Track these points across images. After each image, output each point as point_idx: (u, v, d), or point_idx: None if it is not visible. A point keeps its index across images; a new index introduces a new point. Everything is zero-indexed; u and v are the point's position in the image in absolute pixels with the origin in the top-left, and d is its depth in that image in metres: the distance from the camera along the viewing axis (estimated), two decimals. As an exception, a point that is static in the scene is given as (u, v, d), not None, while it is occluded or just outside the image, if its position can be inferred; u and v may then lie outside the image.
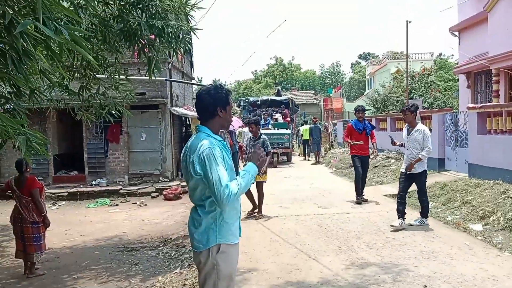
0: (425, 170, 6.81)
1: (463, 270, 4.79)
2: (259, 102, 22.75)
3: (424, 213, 6.88)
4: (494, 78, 12.49)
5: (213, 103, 2.85)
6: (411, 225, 6.73)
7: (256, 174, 2.86)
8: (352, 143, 8.82)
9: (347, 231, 6.69)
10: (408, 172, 6.76)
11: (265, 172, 7.93)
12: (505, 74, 12.86)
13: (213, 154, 2.65)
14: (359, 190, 8.92)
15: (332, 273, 4.89)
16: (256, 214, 8.02)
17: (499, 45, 11.67)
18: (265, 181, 8.10)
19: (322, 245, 6.05)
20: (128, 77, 7.19)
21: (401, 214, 6.73)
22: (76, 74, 6.46)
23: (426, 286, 4.36)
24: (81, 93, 6.48)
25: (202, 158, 2.65)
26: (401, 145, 7.15)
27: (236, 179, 2.72)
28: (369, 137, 9.03)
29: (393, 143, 7.31)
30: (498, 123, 8.93)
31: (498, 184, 7.93)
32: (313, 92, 49.74)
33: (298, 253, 5.73)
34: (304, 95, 45.78)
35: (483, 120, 9.43)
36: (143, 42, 5.64)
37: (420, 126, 6.83)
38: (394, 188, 8.86)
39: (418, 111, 7.47)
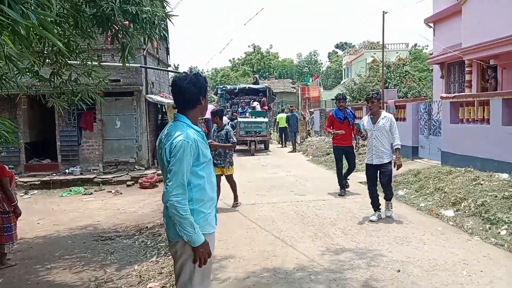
0: (391, 160, 6.58)
1: (435, 254, 4.92)
2: (236, 90, 22.62)
3: (388, 198, 6.63)
4: (467, 69, 12.74)
5: (198, 93, 2.80)
6: (388, 217, 6.55)
7: (192, 242, 2.63)
8: (333, 133, 8.36)
9: (322, 218, 6.76)
10: (375, 163, 6.49)
11: (232, 164, 7.76)
12: (478, 65, 13.14)
13: (184, 149, 2.61)
14: (342, 182, 8.57)
15: (308, 259, 4.95)
16: (234, 202, 7.90)
17: (472, 37, 11.89)
18: (232, 173, 7.85)
19: (298, 231, 6.10)
20: (101, 63, 7.00)
21: (376, 207, 6.60)
22: (47, 60, 6.25)
23: (399, 271, 4.46)
24: (52, 80, 6.28)
25: (174, 147, 2.61)
26: (363, 136, 6.77)
27: (189, 216, 2.59)
28: (352, 126, 8.40)
29: (360, 135, 6.82)
30: (470, 113, 9.15)
31: (469, 172, 8.16)
32: (291, 80, 49.85)
33: (275, 240, 5.77)
34: (281, 83, 45.81)
35: (456, 110, 9.64)
36: (117, 28, 5.48)
37: (385, 113, 6.63)
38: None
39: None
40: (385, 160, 6.45)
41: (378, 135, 6.44)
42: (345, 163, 8.78)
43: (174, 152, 2.60)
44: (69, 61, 6.43)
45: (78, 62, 6.66)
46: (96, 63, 6.74)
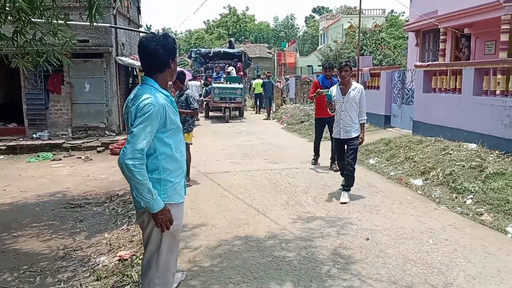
0: (359, 135, 6.05)
1: (403, 223, 5.04)
2: (211, 54, 22.14)
3: (349, 185, 6.04)
4: (441, 37, 12.80)
5: (167, 55, 2.65)
6: (343, 203, 5.82)
7: (150, 208, 2.55)
8: (318, 95, 7.33)
9: (295, 186, 6.80)
10: (342, 138, 6.05)
11: (188, 132, 6.91)
12: (452, 33, 13.22)
13: (151, 113, 2.49)
14: (317, 151, 8.37)
15: (280, 227, 4.98)
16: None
17: (447, 4, 11.89)
18: (191, 143, 7.14)
19: (270, 200, 6.13)
20: (67, 22, 6.63)
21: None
22: (8, 17, 5.86)
23: (368, 239, 4.55)
24: (15, 39, 5.91)
25: (140, 109, 2.49)
26: (333, 109, 6.24)
27: (147, 182, 2.48)
28: None
29: (331, 107, 6.29)
30: (443, 82, 9.24)
31: (439, 141, 8.31)
32: (267, 45, 49.17)
33: (247, 208, 5.78)
34: (257, 48, 45.15)
35: (429, 79, 9.72)
36: (83, -16, 5.16)
37: (356, 84, 6.10)
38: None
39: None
40: (353, 134, 5.98)
41: (348, 107, 5.94)
42: (326, 135, 8.48)
43: (139, 115, 2.48)
44: (33, 19, 6.05)
45: (43, 20, 6.28)
46: (62, 21, 6.38)
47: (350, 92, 5.94)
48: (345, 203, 5.82)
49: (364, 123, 6.07)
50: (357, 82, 13.16)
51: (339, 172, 6.54)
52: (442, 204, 5.80)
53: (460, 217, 5.31)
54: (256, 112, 20.99)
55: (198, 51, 22.84)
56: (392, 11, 46.91)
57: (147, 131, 2.47)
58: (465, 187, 6.08)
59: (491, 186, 5.86)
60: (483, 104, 7.75)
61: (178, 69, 15.74)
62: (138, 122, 2.47)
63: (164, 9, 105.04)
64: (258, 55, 41.52)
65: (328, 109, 6.49)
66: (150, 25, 58.61)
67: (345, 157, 6.11)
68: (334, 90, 6.16)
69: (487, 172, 6.21)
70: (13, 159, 11.41)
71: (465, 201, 5.79)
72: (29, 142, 12.30)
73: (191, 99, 6.85)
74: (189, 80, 17.67)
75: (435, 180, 6.71)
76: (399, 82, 11.59)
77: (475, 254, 4.16)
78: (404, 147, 8.62)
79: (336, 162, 7.35)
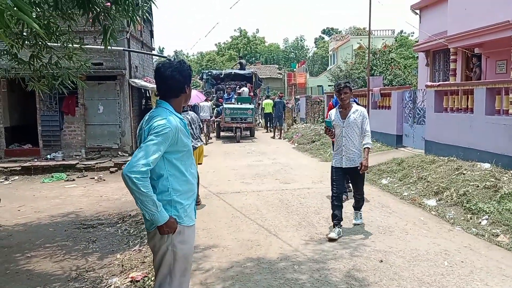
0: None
1: (417, 244, 4.97)
2: (222, 76, 22.40)
3: (359, 206, 5.77)
4: (452, 57, 12.82)
5: (183, 81, 2.74)
6: (357, 224, 5.74)
7: (155, 220, 2.55)
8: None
9: (307, 207, 6.77)
10: (345, 167, 5.38)
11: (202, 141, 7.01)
12: (462, 53, 13.22)
13: (163, 133, 2.53)
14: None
15: (292, 249, 4.95)
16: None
17: (457, 24, 11.93)
18: (200, 163, 7.18)
19: (282, 220, 6.10)
20: (82, 46, 6.81)
21: (338, 221, 5.37)
22: (26, 42, 6.04)
23: (382, 261, 4.49)
24: (32, 63, 6.08)
25: (153, 128, 2.54)
26: (333, 135, 5.55)
27: (151, 193, 2.50)
28: None
29: (330, 133, 5.57)
30: (454, 101, 9.21)
31: (452, 161, 8.24)
32: (277, 66, 49.62)
33: (259, 229, 5.75)
34: (268, 69, 45.54)
35: (440, 98, 9.70)
36: (98, 10, 5.31)
37: (356, 106, 5.51)
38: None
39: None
40: (357, 162, 5.34)
41: (349, 132, 5.34)
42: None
43: (151, 133, 2.53)
44: (49, 44, 6.23)
45: (59, 45, 6.46)
46: (78, 45, 6.55)
47: (350, 116, 5.35)
48: (358, 224, 5.73)
49: (368, 147, 5.33)
50: (368, 102, 13.22)
51: (332, 213, 5.45)
52: (456, 225, 5.71)
53: (476, 238, 5.22)
54: (267, 131, 21.24)
55: (209, 73, 23.13)
56: (401, 31, 47.24)
57: (156, 148, 2.50)
58: (479, 207, 5.99)
59: (507, 206, 5.76)
60: (496, 124, 7.69)
61: (202, 92, 15.97)
62: (149, 139, 2.51)
63: (176, 32, 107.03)
64: (269, 76, 41.85)
65: (328, 136, 5.77)
66: (163, 48, 59.69)
67: (353, 185, 5.78)
68: (333, 114, 5.53)
69: (502, 192, 6.12)
70: (27, 179, 11.56)
71: (480, 222, 5.70)
72: (43, 163, 12.46)
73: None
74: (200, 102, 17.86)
75: (449, 201, 6.63)
76: (410, 101, 11.58)
77: (492, 276, 4.07)
78: (417, 167, 8.55)
79: (336, 195, 5.45)
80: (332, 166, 5.52)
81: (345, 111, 5.42)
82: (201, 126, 7.08)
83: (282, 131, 19.15)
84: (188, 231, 2.73)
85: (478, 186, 6.57)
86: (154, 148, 2.50)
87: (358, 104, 6.32)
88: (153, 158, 2.49)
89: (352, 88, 5.57)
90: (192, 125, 6.98)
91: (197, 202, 6.93)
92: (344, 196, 6.31)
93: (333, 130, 5.48)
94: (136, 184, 2.43)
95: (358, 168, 5.30)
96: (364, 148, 5.33)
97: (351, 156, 5.36)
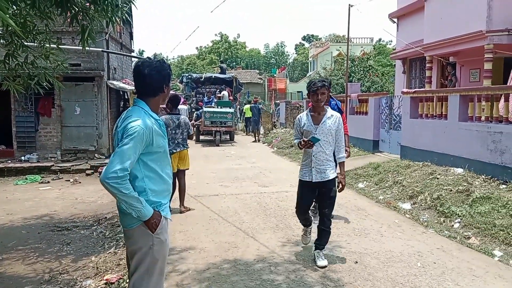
0: (336, 176, 4.57)
1: (392, 246, 5.06)
2: (202, 79, 22.34)
3: (323, 243, 4.58)
4: (427, 65, 13.13)
5: (162, 80, 2.73)
6: (323, 267, 4.42)
7: (143, 216, 2.56)
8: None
9: (284, 209, 6.81)
10: (315, 181, 4.46)
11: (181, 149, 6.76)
12: (438, 61, 13.56)
13: (137, 134, 2.52)
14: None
15: (269, 250, 4.97)
16: (181, 208, 6.84)
17: (433, 33, 12.24)
18: (187, 169, 7.00)
19: (260, 223, 6.12)
20: (60, 46, 6.70)
21: (310, 223, 4.90)
22: (1, 41, 5.92)
23: (357, 262, 4.55)
24: (7, 61, 5.97)
25: (127, 130, 2.53)
26: (308, 143, 4.40)
27: (133, 192, 2.52)
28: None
29: (304, 144, 4.43)
30: (429, 108, 9.44)
31: (426, 166, 8.43)
32: (258, 71, 49.77)
33: (237, 231, 5.76)
34: (248, 74, 45.64)
35: (416, 105, 9.92)
36: (77, 9, 5.25)
37: (331, 111, 4.60)
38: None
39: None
40: (330, 175, 4.48)
41: (322, 140, 4.44)
42: None
43: (125, 135, 2.52)
44: (25, 43, 6.12)
45: (35, 44, 6.35)
46: (55, 45, 6.45)
47: (325, 122, 4.45)
48: (325, 266, 4.41)
49: (343, 162, 4.56)
50: (346, 107, 13.41)
51: (305, 223, 4.91)
52: (430, 228, 5.84)
53: (448, 240, 5.35)
54: (246, 134, 21.62)
55: (189, 76, 23.05)
56: (379, 39, 48.04)
57: (131, 151, 2.50)
58: (452, 211, 6.15)
59: (478, 210, 5.93)
60: (469, 130, 7.91)
61: (173, 92, 15.97)
62: (124, 143, 2.50)
63: (156, 34, 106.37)
64: (249, 81, 41.93)
65: (304, 148, 4.51)
66: (143, 51, 59.14)
67: (319, 207, 4.75)
68: (303, 118, 4.59)
69: (474, 196, 6.30)
70: (0, 181, 11.27)
71: (452, 225, 5.84)
72: (17, 165, 12.17)
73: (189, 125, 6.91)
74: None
75: (423, 204, 6.77)
76: (387, 108, 11.81)
77: (463, 277, 4.19)
78: (393, 171, 8.71)
79: (303, 214, 4.81)
80: (300, 180, 4.62)
81: (319, 116, 4.50)
82: (190, 132, 6.91)
83: (259, 134, 19.78)
84: (166, 223, 2.73)
85: (451, 190, 6.74)
86: (130, 152, 2.49)
87: (340, 110, 6.02)
88: (129, 162, 2.49)
89: (330, 89, 4.64)
90: (180, 129, 6.75)
91: (183, 208, 6.86)
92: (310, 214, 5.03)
93: (308, 141, 4.36)
94: (116, 187, 2.44)
95: (329, 182, 4.46)
96: (340, 163, 4.56)
97: (322, 168, 4.45)
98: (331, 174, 4.50)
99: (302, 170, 4.62)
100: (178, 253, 4.90)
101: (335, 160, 4.65)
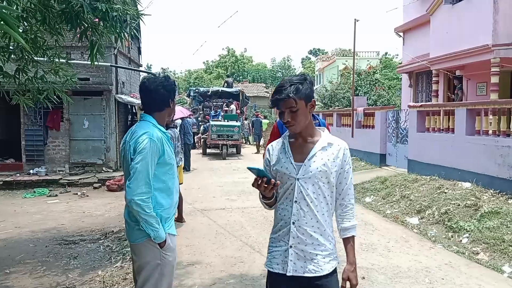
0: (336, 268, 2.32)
1: (399, 262, 5.02)
2: (209, 93, 22.51)
3: None
4: (434, 79, 13.14)
5: (167, 95, 2.80)
6: None
7: (159, 237, 2.61)
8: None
9: (291, 224, 6.77)
10: (292, 274, 2.24)
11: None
12: (444, 75, 13.57)
13: (150, 147, 2.58)
14: None
15: (275, 266, 4.94)
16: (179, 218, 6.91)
17: (439, 47, 12.27)
18: (181, 183, 6.83)
19: (266, 237, 6.06)
20: (69, 61, 6.81)
21: None
22: (12, 56, 6.03)
23: (364, 278, 4.52)
24: (17, 76, 6.06)
25: (139, 144, 2.59)
26: (268, 189, 2.20)
27: (153, 213, 2.58)
28: None
29: (262, 186, 2.20)
30: (436, 122, 9.42)
31: (434, 180, 8.38)
32: (264, 85, 50.03)
33: (243, 245, 5.75)
34: (255, 87, 45.90)
35: (422, 118, 9.91)
36: (86, 25, 5.35)
37: (329, 136, 2.37)
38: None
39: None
40: (324, 266, 2.28)
41: (308, 193, 2.26)
42: None
43: (138, 149, 2.58)
44: (35, 58, 6.23)
45: (45, 59, 6.46)
46: (64, 60, 6.56)
47: (315, 156, 2.29)
48: None
49: (353, 237, 2.42)
50: (352, 121, 13.39)
51: None
52: (438, 243, 5.79)
53: (456, 256, 5.30)
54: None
55: (197, 90, 23.25)
56: (386, 53, 48.08)
57: (149, 165, 2.57)
58: (460, 226, 6.09)
59: (487, 225, 5.88)
60: (476, 144, 7.88)
61: (189, 109, 16.07)
62: (140, 158, 2.55)
63: (164, 49, 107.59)
64: (256, 94, 42.15)
65: (260, 199, 2.43)
66: (151, 65, 59.88)
67: None
68: (275, 148, 2.43)
69: (482, 211, 6.25)
70: (9, 194, 11.35)
71: (461, 240, 5.79)
72: (26, 178, 12.27)
73: (178, 135, 7.18)
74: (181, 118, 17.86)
75: (430, 219, 6.73)
76: (394, 121, 11.80)
77: (472, 293, 4.14)
78: (400, 185, 8.67)
79: None
80: (269, 272, 2.35)
81: (303, 146, 2.33)
82: (177, 146, 6.99)
83: (259, 146, 20.70)
84: (174, 241, 2.76)
85: (459, 205, 6.69)
86: (146, 166, 2.56)
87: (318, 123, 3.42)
88: (150, 176, 2.57)
89: (310, 96, 2.29)
90: (178, 142, 7.03)
91: (181, 221, 6.92)
92: None
93: (274, 184, 2.19)
94: (141, 206, 2.52)
95: (323, 281, 2.26)
96: (346, 240, 2.41)
97: (307, 250, 2.27)
98: (327, 264, 2.27)
99: (271, 250, 2.37)
100: (184, 268, 4.90)
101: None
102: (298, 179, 2.27)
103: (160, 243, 2.64)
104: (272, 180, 2.18)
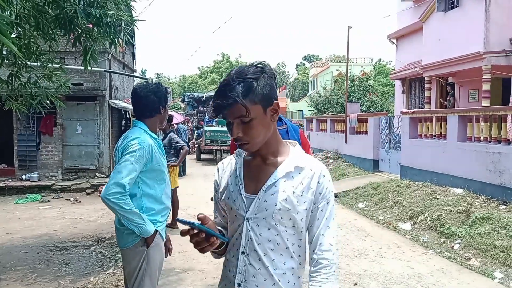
0: None
1: (392, 267, 5.04)
2: (204, 98, 22.55)
3: None
4: (426, 85, 13.25)
5: (158, 102, 2.82)
6: None
7: (145, 232, 2.58)
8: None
9: (285, 230, 6.77)
10: None
11: (175, 167, 7.01)
12: (437, 81, 13.69)
13: (137, 151, 2.58)
14: None
15: (268, 272, 4.94)
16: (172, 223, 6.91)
17: (432, 54, 12.39)
18: (177, 187, 7.22)
19: (259, 243, 6.09)
20: (62, 66, 6.81)
21: None
22: (5, 61, 6.01)
23: (356, 284, 4.53)
24: (10, 81, 6.04)
25: (127, 147, 2.60)
26: (205, 242, 1.42)
27: (134, 208, 2.55)
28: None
29: (196, 239, 1.42)
30: (428, 128, 9.49)
31: (426, 186, 8.43)
32: (258, 90, 50.02)
33: (236, 251, 5.73)
34: (249, 93, 45.91)
35: (415, 125, 9.98)
36: (80, 31, 5.35)
37: (299, 151, 1.57)
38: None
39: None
40: None
41: (263, 238, 1.50)
42: None
43: (125, 153, 2.59)
44: (28, 63, 6.21)
45: (38, 64, 6.44)
46: (58, 65, 6.54)
47: (274, 185, 1.47)
48: None
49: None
50: (345, 127, 13.48)
51: None
52: (430, 249, 5.82)
53: (448, 261, 5.33)
54: None
55: (191, 95, 23.29)
56: (379, 59, 48.39)
57: (131, 168, 2.54)
58: (452, 231, 6.13)
59: (478, 231, 5.92)
60: (468, 150, 7.94)
61: (183, 114, 16.09)
62: (124, 159, 2.56)
63: (158, 54, 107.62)
64: (250, 100, 42.19)
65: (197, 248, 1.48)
66: (145, 70, 59.83)
67: None
68: (228, 168, 1.63)
69: (473, 217, 6.29)
70: (0, 200, 11.25)
71: (452, 246, 5.82)
72: (18, 183, 12.18)
73: (176, 139, 7.17)
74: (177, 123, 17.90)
75: (423, 225, 6.76)
76: (386, 127, 11.87)
77: (463, 299, 4.16)
78: (393, 191, 8.71)
79: None
80: None
81: (261, 169, 1.54)
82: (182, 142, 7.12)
83: None
84: (162, 243, 2.76)
85: (451, 211, 6.74)
86: (130, 167, 2.54)
87: (297, 139, 2.97)
88: (129, 178, 2.52)
89: (271, 96, 1.55)
90: (178, 143, 7.09)
91: (174, 226, 6.92)
92: None
93: (214, 233, 1.42)
94: (117, 203, 2.47)
95: None
96: None
97: None
98: None
99: None
100: (176, 274, 4.88)
101: None
102: (247, 219, 1.49)
103: (148, 238, 2.61)
104: (213, 238, 1.39)
